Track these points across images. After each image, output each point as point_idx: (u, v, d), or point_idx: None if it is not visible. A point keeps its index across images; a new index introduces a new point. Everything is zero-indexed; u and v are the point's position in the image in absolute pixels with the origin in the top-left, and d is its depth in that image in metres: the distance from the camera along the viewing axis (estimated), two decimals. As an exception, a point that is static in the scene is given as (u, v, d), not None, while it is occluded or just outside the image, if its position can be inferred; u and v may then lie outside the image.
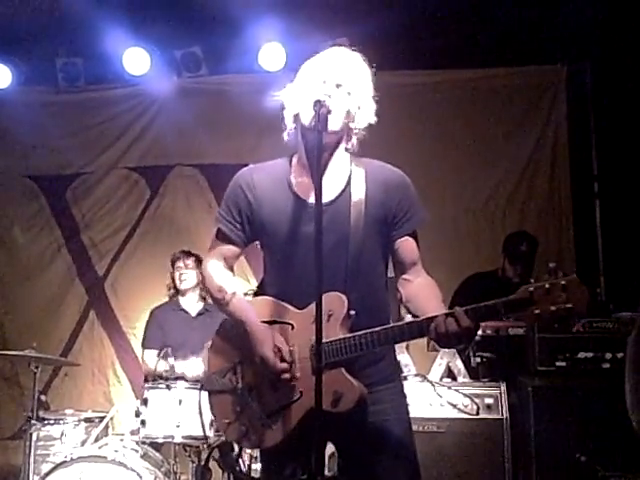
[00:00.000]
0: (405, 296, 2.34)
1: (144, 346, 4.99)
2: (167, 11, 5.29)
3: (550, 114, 5.60)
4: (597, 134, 5.49)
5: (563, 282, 1.94)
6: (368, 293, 2.29)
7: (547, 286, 1.95)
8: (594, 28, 5.10)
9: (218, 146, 5.89)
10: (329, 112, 2.16)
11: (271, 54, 5.50)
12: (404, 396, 2.38)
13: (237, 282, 2.49)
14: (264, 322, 2.29)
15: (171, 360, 4.22)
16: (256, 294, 2.46)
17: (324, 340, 2.11)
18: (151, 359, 4.82)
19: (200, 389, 3.80)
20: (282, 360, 2.21)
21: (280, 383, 2.22)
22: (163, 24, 5.39)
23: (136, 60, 5.65)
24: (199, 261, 5.05)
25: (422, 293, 2.29)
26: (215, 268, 2.43)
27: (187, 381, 4.20)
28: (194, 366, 4.51)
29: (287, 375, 2.21)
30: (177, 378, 4.15)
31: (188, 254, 5.08)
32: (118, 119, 5.99)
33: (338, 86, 2.26)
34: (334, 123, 2.23)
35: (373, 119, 2.35)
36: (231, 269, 2.48)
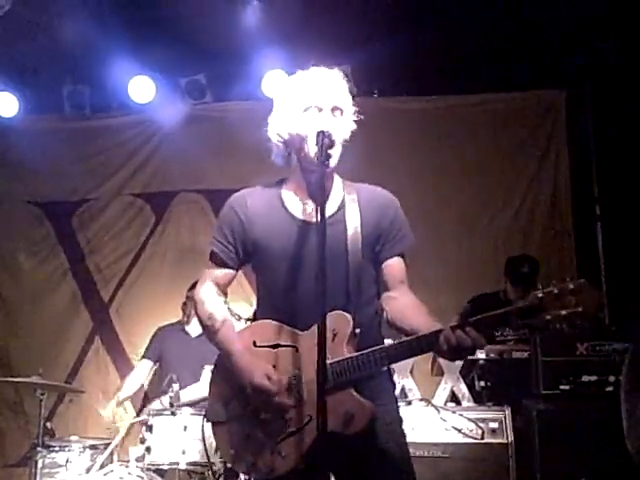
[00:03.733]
0: (391, 313, 2.29)
1: (142, 355, 5.13)
2: (172, 40, 5.37)
3: (551, 138, 5.66)
4: (598, 157, 5.53)
5: (572, 286, 1.92)
6: (367, 313, 2.29)
7: (556, 291, 1.92)
8: (593, 52, 5.16)
9: (222, 172, 5.94)
10: (332, 143, 2.18)
11: (274, 81, 5.56)
12: (400, 417, 2.34)
13: (227, 310, 2.44)
14: (267, 347, 2.25)
15: (175, 386, 4.23)
16: (254, 317, 2.43)
17: (331, 360, 2.11)
18: (143, 368, 5.03)
19: (203, 420, 3.82)
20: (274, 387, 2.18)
21: (282, 410, 2.19)
22: (168, 52, 5.47)
23: (141, 88, 5.74)
24: None
25: (410, 310, 2.25)
26: (207, 294, 2.40)
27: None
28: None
29: (286, 401, 2.18)
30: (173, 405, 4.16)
31: None
32: (123, 146, 6.07)
33: (333, 110, 2.29)
34: (336, 156, 2.28)
35: (354, 126, 2.37)
36: (225, 294, 2.47)
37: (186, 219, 6.01)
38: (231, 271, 2.43)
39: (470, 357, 4.07)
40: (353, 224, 2.30)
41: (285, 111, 2.35)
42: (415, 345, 2.09)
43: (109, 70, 5.60)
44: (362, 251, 2.27)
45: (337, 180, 2.42)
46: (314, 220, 2.24)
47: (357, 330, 2.17)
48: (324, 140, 2.15)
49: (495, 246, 5.57)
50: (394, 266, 2.36)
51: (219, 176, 5.96)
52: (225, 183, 5.93)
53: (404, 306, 2.26)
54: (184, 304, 5.16)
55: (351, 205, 2.34)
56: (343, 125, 2.32)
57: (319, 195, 2.10)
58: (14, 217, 6.07)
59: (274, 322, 2.29)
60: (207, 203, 5.98)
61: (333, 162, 2.27)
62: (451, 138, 5.68)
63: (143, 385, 5.25)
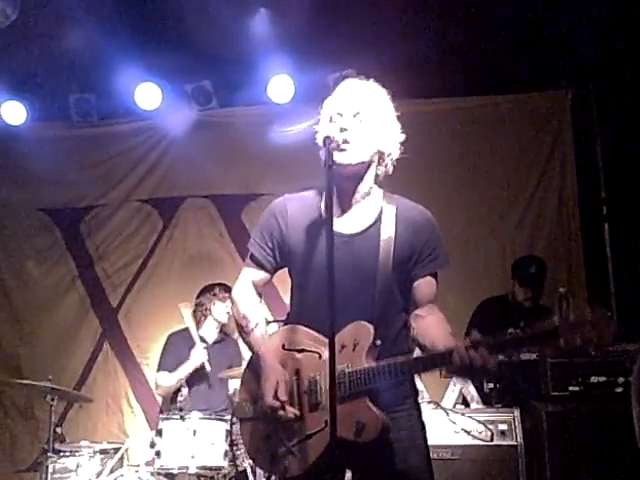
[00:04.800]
0: (416, 330, 2.35)
1: (158, 369, 4.96)
2: (177, 46, 5.39)
3: (557, 139, 5.64)
4: (604, 157, 5.52)
5: (590, 317, 1.93)
6: (392, 327, 2.34)
7: (573, 320, 1.94)
8: (597, 53, 5.16)
9: (228, 177, 5.97)
10: (339, 146, 2.21)
11: (280, 86, 5.59)
12: (422, 423, 2.39)
13: (262, 311, 2.54)
14: (293, 350, 2.34)
15: (185, 390, 4.24)
16: (286, 321, 2.50)
17: (349, 369, 2.19)
18: (164, 379, 4.79)
19: (231, 416, 3.89)
20: (276, 398, 2.25)
21: (286, 418, 2.25)
22: (174, 59, 5.49)
23: (148, 95, 5.77)
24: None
25: (432, 326, 2.31)
26: (243, 294, 2.49)
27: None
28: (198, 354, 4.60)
29: (281, 413, 2.24)
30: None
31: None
32: (130, 153, 6.10)
33: (355, 115, 2.32)
34: (353, 155, 2.29)
35: (402, 138, 2.41)
36: (259, 295, 2.53)
37: (193, 224, 6.03)
38: (267, 274, 2.50)
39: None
40: (387, 237, 2.34)
41: (319, 128, 2.40)
42: (429, 361, 2.16)
43: (115, 77, 5.63)
44: (392, 264, 2.31)
45: (376, 190, 2.45)
46: (348, 233, 2.33)
47: (378, 342, 2.22)
48: (331, 145, 2.17)
49: (502, 248, 5.56)
50: (424, 286, 2.39)
51: (226, 181, 5.99)
52: (232, 188, 5.98)
53: (427, 323, 2.32)
54: (193, 312, 5.12)
55: (388, 218, 2.37)
56: (368, 128, 2.33)
57: (327, 199, 2.11)
58: (23, 224, 6.11)
59: (303, 327, 2.36)
60: (214, 208, 6.00)
61: (345, 159, 2.26)
62: (456, 140, 5.68)
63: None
